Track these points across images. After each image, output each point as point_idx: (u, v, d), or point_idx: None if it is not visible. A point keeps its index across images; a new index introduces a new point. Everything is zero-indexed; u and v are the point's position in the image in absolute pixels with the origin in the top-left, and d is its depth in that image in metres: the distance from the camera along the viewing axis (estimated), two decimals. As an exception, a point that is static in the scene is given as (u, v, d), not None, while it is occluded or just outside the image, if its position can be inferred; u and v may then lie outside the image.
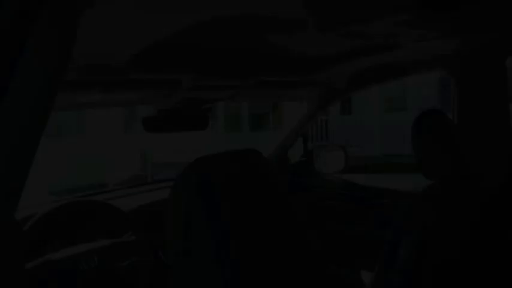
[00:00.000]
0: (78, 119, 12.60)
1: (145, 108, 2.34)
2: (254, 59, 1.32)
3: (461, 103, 1.53)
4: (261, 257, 0.53)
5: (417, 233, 1.10)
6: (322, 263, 0.68)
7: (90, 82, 1.09)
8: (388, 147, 11.16)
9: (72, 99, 1.24)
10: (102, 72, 1.05)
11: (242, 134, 12.75)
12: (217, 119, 12.82)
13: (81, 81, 1.05)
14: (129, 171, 9.93)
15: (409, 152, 1.34)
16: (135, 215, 1.48)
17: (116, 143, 10.99)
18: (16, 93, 0.39)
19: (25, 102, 0.40)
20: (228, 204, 0.54)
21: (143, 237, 1.40)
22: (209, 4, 0.73)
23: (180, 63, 1.21)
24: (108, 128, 11.72)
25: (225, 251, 0.51)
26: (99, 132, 11.74)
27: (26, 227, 1.23)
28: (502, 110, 1.51)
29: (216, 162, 0.59)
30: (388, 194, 1.78)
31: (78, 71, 0.96)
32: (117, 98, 1.38)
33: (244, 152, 0.64)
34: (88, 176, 9.05)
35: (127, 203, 1.54)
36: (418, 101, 10.78)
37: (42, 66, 0.41)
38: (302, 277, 0.59)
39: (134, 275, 1.34)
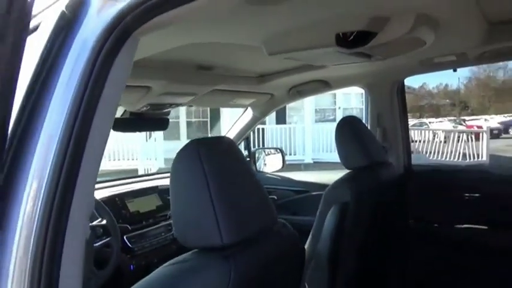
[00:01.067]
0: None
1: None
2: (213, 72, 1.63)
3: (372, 111, 1.99)
4: (234, 196, 0.81)
5: (337, 207, 1.47)
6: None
7: None
8: (318, 154, 12.05)
9: None
10: None
11: (181, 142, 12.84)
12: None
13: None
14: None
15: (336, 159, 1.73)
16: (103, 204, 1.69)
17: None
18: None
19: None
20: (212, 168, 0.82)
21: (112, 222, 1.62)
22: (183, 33, 1.01)
23: (152, 73, 1.47)
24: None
25: (207, 191, 0.78)
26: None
27: None
28: (401, 116, 1.98)
29: (204, 142, 0.88)
30: (318, 185, 2.17)
31: None
32: None
33: (221, 137, 0.93)
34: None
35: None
36: (346, 113, 11.76)
37: None
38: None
39: (108, 253, 1.55)
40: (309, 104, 12.47)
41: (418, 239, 1.91)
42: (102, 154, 0.68)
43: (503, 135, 18.91)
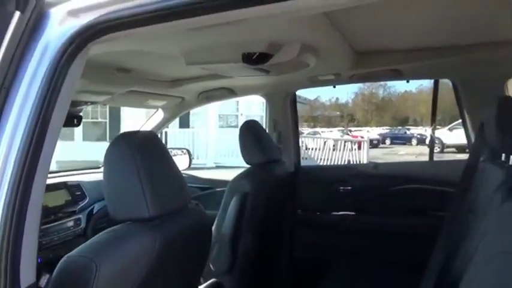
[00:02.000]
0: None
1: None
2: (131, 74, 1.78)
3: (269, 116, 2.33)
4: (158, 178, 1.02)
5: (239, 197, 1.74)
6: None
7: None
8: (220, 158, 12.40)
9: None
10: None
11: (75, 142, 12.06)
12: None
13: None
14: None
15: (237, 164, 2.01)
16: None
17: None
18: None
19: None
20: (141, 156, 1.01)
21: None
22: (120, 42, 1.18)
23: None
24: None
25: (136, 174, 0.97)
26: None
27: None
28: (293, 123, 2.36)
29: (134, 135, 1.06)
30: (221, 182, 2.42)
31: None
32: None
33: (148, 131, 1.12)
34: None
35: None
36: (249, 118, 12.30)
37: None
38: None
39: None
40: (213, 109, 12.78)
41: (304, 225, 2.29)
42: (56, 144, 0.83)
43: (381, 145, 21.65)
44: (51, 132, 0.78)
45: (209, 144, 12.65)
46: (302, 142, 11.92)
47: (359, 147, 12.43)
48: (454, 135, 14.76)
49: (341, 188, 2.27)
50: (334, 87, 2.24)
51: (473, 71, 1.90)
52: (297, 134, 2.39)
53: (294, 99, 2.37)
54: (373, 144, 18.12)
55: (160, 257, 0.96)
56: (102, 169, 2.35)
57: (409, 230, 2.06)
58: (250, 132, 1.90)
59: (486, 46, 1.59)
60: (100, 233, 0.97)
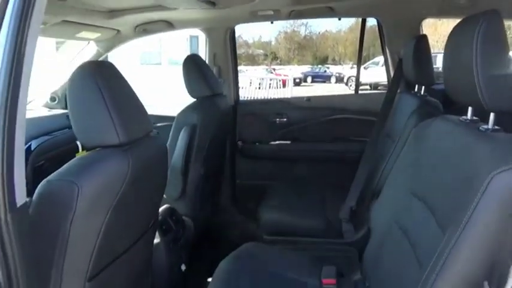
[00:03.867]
0: None
1: None
2: (66, 3, 1.67)
3: (209, 51, 2.38)
4: (124, 106, 1.07)
5: (188, 128, 1.82)
6: None
7: None
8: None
9: None
10: None
11: None
12: None
13: None
14: None
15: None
16: None
17: None
18: None
19: None
20: (105, 84, 1.03)
21: None
22: None
23: None
24: None
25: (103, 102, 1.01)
26: None
27: None
28: (232, 58, 2.43)
29: (95, 64, 1.07)
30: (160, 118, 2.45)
31: None
32: None
33: (105, 61, 1.14)
34: None
35: None
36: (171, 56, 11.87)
37: None
38: None
39: None
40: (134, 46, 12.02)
41: (244, 155, 2.46)
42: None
43: (303, 84, 22.44)
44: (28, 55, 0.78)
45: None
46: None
47: (283, 85, 12.81)
48: (369, 73, 15.85)
49: (277, 119, 2.45)
50: (272, 22, 2.32)
51: (395, 12, 2.11)
52: (236, 69, 2.47)
53: (233, 35, 2.41)
54: (296, 82, 18.70)
55: (132, 179, 1.04)
56: (32, 105, 2.27)
57: (337, 155, 2.34)
58: (194, 65, 1.94)
59: None
60: (73, 159, 1.01)
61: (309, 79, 24.61)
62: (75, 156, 1.06)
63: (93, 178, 0.95)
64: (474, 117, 0.96)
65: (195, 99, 1.98)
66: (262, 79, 13.07)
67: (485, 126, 0.88)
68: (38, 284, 0.86)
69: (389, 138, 1.88)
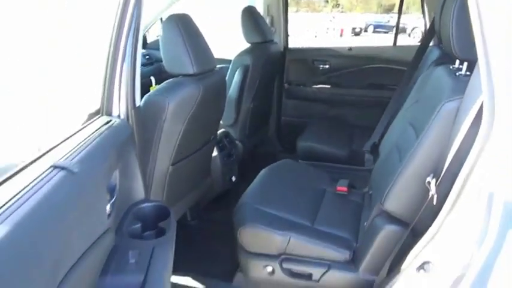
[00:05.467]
0: None
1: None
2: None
3: (264, 2, 2.69)
4: (198, 44, 1.50)
5: (241, 68, 2.23)
6: None
7: None
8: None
9: None
10: None
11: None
12: None
13: None
14: None
15: None
16: None
17: None
18: None
19: None
20: (185, 28, 1.47)
21: None
22: None
23: None
24: None
25: (183, 41, 1.45)
26: None
27: None
28: (284, 8, 2.73)
29: (178, 16, 1.49)
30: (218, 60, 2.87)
31: None
32: None
33: (184, 13, 1.57)
34: None
35: None
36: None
37: None
38: None
39: None
40: None
41: (290, 96, 2.85)
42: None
43: (363, 34, 21.61)
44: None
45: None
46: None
47: (340, 35, 12.61)
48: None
49: (321, 66, 2.77)
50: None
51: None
52: (286, 19, 2.79)
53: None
54: (356, 32, 18.10)
55: (201, 100, 1.49)
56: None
57: (370, 99, 2.65)
58: (250, 15, 2.30)
59: None
60: (162, 83, 1.47)
61: (371, 29, 23.58)
62: (149, 90, 1.51)
63: (176, 97, 1.41)
64: (460, 66, 1.26)
65: (249, 44, 2.37)
66: (319, 27, 12.93)
67: (460, 73, 1.19)
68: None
69: (413, 85, 2.15)
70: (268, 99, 2.68)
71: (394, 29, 3.07)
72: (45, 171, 0.70)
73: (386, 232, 1.23)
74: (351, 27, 13.45)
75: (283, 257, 1.39)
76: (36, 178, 0.68)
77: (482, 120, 0.89)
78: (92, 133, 0.90)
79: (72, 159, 0.77)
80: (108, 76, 1.06)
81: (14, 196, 0.62)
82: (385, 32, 22.80)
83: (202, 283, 1.63)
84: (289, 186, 1.69)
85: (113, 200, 0.89)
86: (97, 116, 1.05)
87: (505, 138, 0.87)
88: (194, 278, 1.63)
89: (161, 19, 3.10)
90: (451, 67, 1.28)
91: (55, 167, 0.70)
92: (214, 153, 2.03)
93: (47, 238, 0.62)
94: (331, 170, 2.08)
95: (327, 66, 2.76)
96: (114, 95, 1.07)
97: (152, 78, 2.70)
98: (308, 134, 2.41)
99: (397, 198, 1.19)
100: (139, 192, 1.12)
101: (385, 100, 2.42)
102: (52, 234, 0.63)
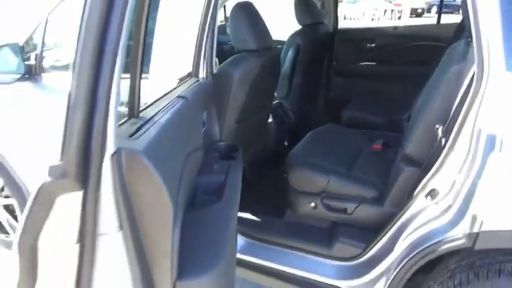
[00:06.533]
0: None
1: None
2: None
3: None
4: (259, 25, 1.88)
5: (294, 47, 2.57)
6: None
7: None
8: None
9: None
10: None
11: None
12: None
13: None
14: None
15: None
16: None
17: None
18: None
19: None
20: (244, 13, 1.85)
21: None
22: None
23: None
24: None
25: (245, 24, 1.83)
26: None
27: None
28: None
29: (239, 2, 1.87)
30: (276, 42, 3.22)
31: None
32: None
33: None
34: None
35: None
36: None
37: None
38: None
39: None
40: None
41: (338, 73, 3.14)
42: None
43: (425, 15, 20.67)
44: None
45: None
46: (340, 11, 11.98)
47: (399, 18, 12.32)
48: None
49: (368, 44, 3.03)
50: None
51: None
52: (336, 2, 3.07)
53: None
54: (417, 13, 17.40)
55: (261, 71, 1.86)
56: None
57: (412, 75, 2.87)
58: (302, 0, 2.63)
59: None
60: (230, 58, 1.86)
61: (434, 9, 22.39)
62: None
63: (241, 67, 1.80)
64: None
65: (301, 26, 2.70)
66: (376, 9, 12.72)
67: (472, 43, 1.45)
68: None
69: None
70: (318, 75, 3.00)
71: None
72: (175, 98, 1.20)
73: (406, 172, 1.53)
74: (411, 8, 13.03)
75: (323, 195, 1.75)
76: (172, 101, 1.18)
77: (474, 80, 1.18)
78: (191, 84, 1.33)
79: (186, 94, 1.23)
80: (197, 49, 1.48)
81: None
82: (450, 12, 21.58)
83: (259, 218, 2.03)
84: (331, 144, 2.03)
85: (204, 129, 1.32)
86: (189, 77, 1.48)
87: (489, 92, 1.15)
88: (253, 214, 2.04)
89: (224, 7, 3.54)
90: (469, 39, 1.53)
91: (179, 96, 1.16)
92: (270, 120, 2.41)
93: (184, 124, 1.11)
94: (371, 135, 2.37)
95: (373, 44, 3.01)
96: (201, 62, 1.49)
97: (216, 59, 3.13)
98: (352, 105, 2.71)
99: (414, 143, 1.49)
100: (216, 134, 1.54)
101: (426, 76, 2.64)
102: (185, 124, 1.12)
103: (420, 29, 3.01)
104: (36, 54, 1.97)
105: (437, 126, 1.37)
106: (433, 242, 1.27)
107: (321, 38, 2.76)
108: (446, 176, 1.29)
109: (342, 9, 11.77)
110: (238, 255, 1.74)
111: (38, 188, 0.74)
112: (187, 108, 1.23)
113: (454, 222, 1.23)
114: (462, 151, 1.23)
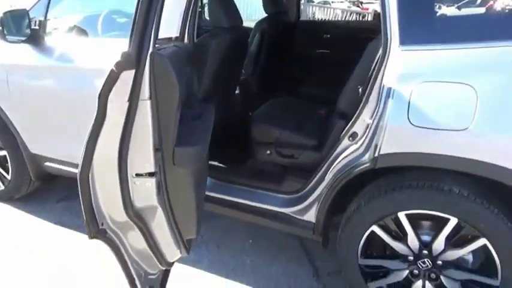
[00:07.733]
0: None
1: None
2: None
3: None
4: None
5: (259, 33, 3.03)
6: None
7: None
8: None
9: None
10: None
11: None
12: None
13: None
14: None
15: None
16: None
17: None
18: None
19: None
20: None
21: None
22: None
23: None
24: None
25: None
26: None
27: None
28: None
29: None
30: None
31: None
32: None
33: None
34: None
35: None
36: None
37: None
38: None
39: None
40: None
41: (297, 60, 3.62)
42: None
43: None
44: None
45: None
46: (310, 11, 12.61)
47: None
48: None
49: (324, 35, 3.54)
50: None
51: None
52: (298, -2, 3.56)
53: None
54: (379, 17, 18.17)
55: (230, 46, 2.30)
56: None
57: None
58: None
59: None
60: (209, 32, 2.29)
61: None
62: None
63: (216, 40, 2.23)
64: None
65: (266, 14, 3.16)
66: (344, 11, 13.41)
67: None
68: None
69: None
70: (281, 57, 3.47)
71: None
72: (170, 45, 1.68)
73: (339, 125, 2.02)
74: (374, 11, 13.82)
75: (277, 144, 2.23)
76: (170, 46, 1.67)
77: (380, 52, 1.66)
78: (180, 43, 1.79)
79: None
80: (184, 17, 1.93)
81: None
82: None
83: (226, 165, 2.44)
84: (286, 108, 2.52)
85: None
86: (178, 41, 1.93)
87: (389, 60, 1.63)
88: (220, 162, 2.47)
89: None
90: None
91: (174, 45, 1.62)
92: (237, 91, 2.86)
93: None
94: (320, 105, 2.85)
95: (329, 35, 3.52)
96: (186, 29, 1.94)
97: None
98: (308, 83, 3.21)
99: (344, 101, 1.99)
100: (196, 89, 1.99)
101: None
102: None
103: (368, 24, 3.54)
104: (40, 21, 2.32)
105: (359, 86, 1.86)
106: (349, 167, 1.76)
107: (283, 25, 3.23)
108: (363, 122, 1.78)
109: (313, 10, 12.38)
110: (208, 193, 2.18)
111: (113, 65, 1.31)
112: (181, 52, 1.77)
113: (364, 153, 1.73)
114: (372, 103, 1.72)
